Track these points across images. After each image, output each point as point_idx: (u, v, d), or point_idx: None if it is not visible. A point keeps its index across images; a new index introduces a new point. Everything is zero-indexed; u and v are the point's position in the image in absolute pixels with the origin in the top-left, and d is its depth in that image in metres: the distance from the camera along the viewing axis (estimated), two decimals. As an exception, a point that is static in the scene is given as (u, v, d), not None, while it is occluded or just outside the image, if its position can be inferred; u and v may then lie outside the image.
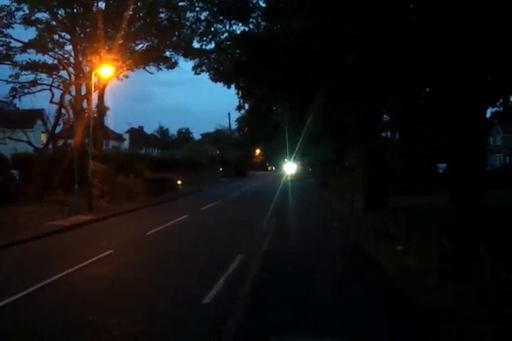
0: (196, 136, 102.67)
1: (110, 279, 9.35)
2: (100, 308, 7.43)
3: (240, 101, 19.22)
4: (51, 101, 26.75)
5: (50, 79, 26.57)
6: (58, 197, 21.70)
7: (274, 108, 24.19)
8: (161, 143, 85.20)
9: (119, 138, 61.29)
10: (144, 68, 29.19)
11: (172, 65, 29.19)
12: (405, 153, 28.42)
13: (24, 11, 24.03)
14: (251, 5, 16.75)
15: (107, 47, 24.61)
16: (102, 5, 25.83)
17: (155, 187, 31.17)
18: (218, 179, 56.82)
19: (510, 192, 19.67)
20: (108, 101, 28.76)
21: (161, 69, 29.58)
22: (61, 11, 25.30)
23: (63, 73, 26.77)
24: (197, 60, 19.81)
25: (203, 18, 18.53)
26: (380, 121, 22.66)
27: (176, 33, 26.14)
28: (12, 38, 24.59)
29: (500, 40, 8.95)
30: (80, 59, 26.35)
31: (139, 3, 25.62)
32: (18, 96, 25.85)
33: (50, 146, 27.61)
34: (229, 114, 69.27)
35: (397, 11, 9.21)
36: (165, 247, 13.05)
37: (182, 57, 26.27)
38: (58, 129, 28.40)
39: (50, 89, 26.57)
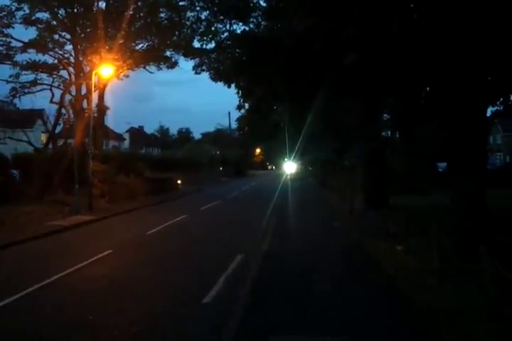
0: (196, 135, 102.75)
1: (110, 279, 9.35)
2: (100, 308, 7.44)
3: (240, 100, 19.20)
4: (51, 101, 26.76)
5: (51, 79, 26.58)
6: (58, 196, 21.71)
7: (275, 107, 24.18)
8: (161, 143, 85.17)
9: (119, 137, 61.31)
10: (144, 68, 29.20)
11: (172, 65, 29.19)
12: (405, 153, 28.39)
13: (24, 10, 24.04)
14: (251, 4, 16.71)
15: (107, 47, 24.60)
16: (102, 5, 25.87)
17: (155, 186, 31.17)
18: (218, 178, 56.79)
19: (511, 192, 19.65)
20: (108, 100, 28.80)
21: (161, 68, 29.61)
22: (61, 11, 25.30)
23: (63, 73, 26.80)
24: (197, 59, 19.77)
25: (203, 17, 18.50)
26: (380, 121, 22.64)
27: (177, 32, 26.14)
28: (12, 37, 24.61)
29: (500, 39, 8.94)
30: (80, 59, 26.34)
31: (139, 3, 25.63)
32: (18, 96, 25.86)
33: (50, 146, 27.60)
34: (229, 113, 69.25)
35: (397, 11, 9.20)
36: (165, 247, 13.05)
37: (182, 57, 26.27)
38: (58, 129, 28.40)
39: (51, 89, 26.58)
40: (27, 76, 25.64)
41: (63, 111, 27.05)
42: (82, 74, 26.10)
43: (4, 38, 24.38)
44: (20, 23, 24.26)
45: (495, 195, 12.91)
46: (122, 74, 27.90)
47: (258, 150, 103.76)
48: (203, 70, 19.43)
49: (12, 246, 13.13)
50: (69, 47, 26.25)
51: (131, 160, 31.44)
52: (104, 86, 27.24)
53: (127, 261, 11.17)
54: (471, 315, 6.43)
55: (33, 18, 24.40)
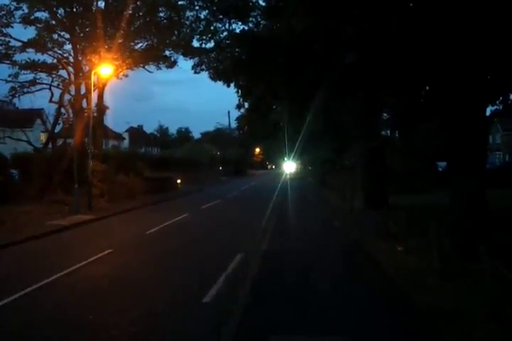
0: (196, 134, 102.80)
1: (110, 278, 9.35)
2: (100, 308, 7.43)
3: (239, 99, 19.17)
4: (50, 101, 26.70)
5: (50, 78, 26.50)
6: (58, 196, 21.71)
7: (274, 107, 24.13)
8: (160, 142, 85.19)
9: (118, 137, 61.25)
10: (143, 67, 29.14)
11: (171, 64, 29.15)
12: (405, 152, 28.39)
13: (23, 10, 23.95)
14: (251, 4, 16.67)
15: (106, 47, 24.55)
16: (101, 4, 25.76)
17: (155, 186, 31.17)
18: (218, 178, 56.80)
19: (511, 191, 19.65)
20: (107, 100, 28.72)
21: (160, 68, 29.55)
22: (60, 10, 25.23)
23: (63, 72, 26.70)
24: (196, 58, 19.71)
25: (202, 17, 18.44)
26: (379, 120, 22.62)
27: (176, 32, 26.08)
28: (11, 37, 24.52)
29: (500, 39, 8.93)
30: (80, 58, 26.29)
31: (138, 3, 25.56)
32: (17, 95, 25.79)
33: (50, 146, 27.57)
34: (228, 112, 69.34)
35: (397, 10, 9.18)
36: (165, 246, 13.05)
37: (181, 56, 26.24)
38: (58, 129, 28.33)
39: (50, 89, 26.53)
40: (26, 75, 25.61)
41: (63, 110, 27.01)
42: (81, 74, 26.05)
43: (3, 38, 24.30)
44: (19, 22, 24.19)
45: (495, 194, 12.92)
46: (121, 73, 27.85)
47: (258, 150, 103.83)
48: (202, 70, 19.37)
49: (12, 246, 13.12)
50: (68, 46, 26.21)
51: (130, 159, 31.43)
52: (104, 85, 27.19)
53: (127, 261, 11.17)
54: (471, 315, 6.43)
55: (32, 17, 24.33)
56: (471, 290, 7.26)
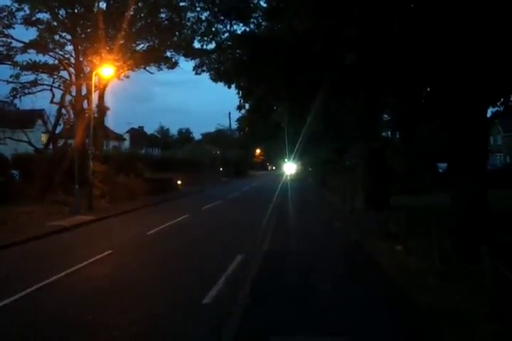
0: (197, 135, 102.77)
1: (110, 279, 9.35)
2: (100, 308, 7.43)
3: (240, 100, 19.14)
4: (51, 102, 26.72)
5: (51, 79, 26.52)
6: (59, 197, 21.73)
7: (275, 107, 24.12)
8: (161, 143, 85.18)
9: (119, 138, 61.28)
10: (144, 68, 29.13)
11: (173, 65, 29.15)
12: (406, 153, 28.40)
13: (25, 11, 24.00)
14: (252, 5, 16.68)
15: (107, 48, 24.58)
16: (102, 5, 25.82)
17: (155, 187, 31.18)
18: (219, 179, 56.80)
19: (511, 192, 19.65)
20: (108, 101, 28.72)
21: (161, 69, 29.54)
22: (62, 12, 25.25)
23: (64, 73, 26.74)
24: (197, 60, 19.71)
25: (203, 18, 18.45)
26: (380, 121, 22.63)
27: (177, 33, 26.10)
28: (13, 38, 24.56)
29: (501, 40, 8.93)
30: (81, 59, 26.31)
31: (139, 4, 25.58)
32: (18, 96, 25.80)
33: (51, 146, 27.59)
34: (229, 113, 69.22)
35: (398, 11, 9.19)
36: (165, 247, 13.04)
37: (182, 57, 26.22)
38: (59, 129, 28.34)
39: (51, 90, 26.54)
40: (27, 76, 25.62)
41: (63, 111, 27.02)
42: (82, 75, 26.08)
43: (5, 39, 24.35)
44: (21, 23, 24.24)
45: (496, 195, 12.91)
46: (123, 74, 27.87)
47: (258, 151, 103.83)
48: (204, 71, 19.37)
49: (12, 247, 13.13)
50: (69, 47, 26.24)
51: (131, 160, 31.47)
52: (105, 86, 27.21)
53: (128, 262, 11.17)
54: (472, 315, 6.42)
55: (34, 18, 24.37)
56: (472, 291, 7.26)
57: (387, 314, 6.92)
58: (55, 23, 25.22)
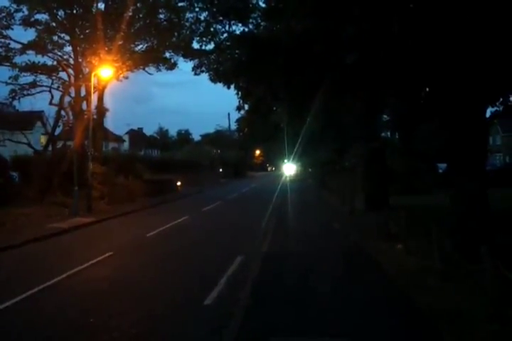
0: (196, 137, 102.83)
1: (111, 281, 9.34)
2: (101, 310, 7.41)
3: (239, 101, 19.16)
4: (50, 103, 26.70)
5: (50, 80, 26.51)
6: (58, 199, 21.71)
7: (274, 108, 24.12)
8: (160, 145, 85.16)
9: (118, 139, 61.22)
10: (143, 69, 29.14)
11: (171, 66, 29.14)
12: (405, 153, 28.39)
13: (23, 12, 24.00)
14: (251, 5, 16.67)
15: (106, 49, 24.58)
16: (101, 6, 25.82)
17: (155, 188, 31.15)
18: (218, 180, 56.73)
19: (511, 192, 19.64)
20: (108, 102, 28.73)
21: (160, 70, 29.54)
22: (60, 12, 25.26)
23: (63, 74, 26.73)
24: (196, 60, 19.71)
25: (202, 18, 18.45)
26: (380, 121, 22.61)
27: (176, 33, 26.10)
28: (11, 39, 24.55)
29: (500, 40, 8.92)
30: (80, 60, 26.31)
31: (138, 4, 25.59)
32: (17, 97, 25.79)
33: (50, 148, 27.57)
34: (228, 114, 69.19)
35: (397, 11, 9.18)
36: (165, 249, 13.03)
37: (181, 58, 26.24)
38: (58, 131, 28.34)
39: (50, 91, 26.53)
40: (26, 78, 25.62)
41: (63, 113, 27.00)
42: (81, 76, 26.07)
43: (3, 40, 24.33)
44: (19, 24, 24.23)
45: (496, 194, 12.90)
46: (121, 75, 27.86)
47: (258, 152, 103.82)
48: (203, 71, 19.35)
49: (12, 249, 13.11)
50: (68, 48, 26.23)
51: (130, 162, 31.45)
52: (104, 87, 27.20)
53: (128, 263, 11.15)
54: (472, 315, 6.41)
55: (32, 19, 24.37)
56: (472, 291, 7.24)
57: (387, 314, 6.91)
58: (54, 24, 25.21)
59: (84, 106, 26.15)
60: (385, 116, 23.45)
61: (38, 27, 24.64)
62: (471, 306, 6.72)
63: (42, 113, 30.55)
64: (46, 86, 26.37)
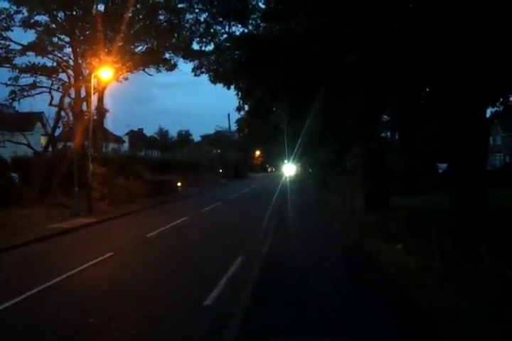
0: (196, 137, 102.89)
1: (111, 281, 9.34)
2: (101, 311, 7.41)
3: (239, 102, 19.15)
4: (50, 104, 26.74)
5: (50, 81, 26.55)
6: (58, 199, 21.73)
7: (274, 109, 24.12)
8: (160, 145, 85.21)
9: (118, 140, 61.26)
10: (143, 70, 29.17)
11: (171, 67, 29.17)
12: (405, 153, 28.40)
13: (23, 13, 24.04)
14: (250, 6, 16.68)
15: (106, 50, 24.60)
16: (101, 7, 25.84)
17: (155, 189, 31.17)
18: (218, 181, 56.78)
19: (511, 192, 19.66)
20: (108, 103, 28.76)
21: (160, 71, 29.56)
22: (60, 14, 25.28)
23: (63, 76, 26.77)
24: (196, 61, 19.71)
25: (202, 19, 18.46)
26: (380, 121, 22.61)
27: (176, 34, 26.13)
28: (11, 40, 24.58)
29: (500, 40, 8.93)
30: (80, 61, 26.34)
31: (138, 6, 25.62)
32: (17, 99, 25.84)
33: (50, 149, 27.59)
34: (228, 115, 69.24)
35: (397, 10, 9.19)
36: (165, 249, 13.04)
37: (181, 59, 26.27)
38: (58, 132, 28.39)
39: (50, 92, 26.56)
40: (26, 79, 25.67)
41: (63, 113, 27.03)
42: (81, 77, 26.10)
43: (3, 41, 24.38)
44: (19, 25, 24.26)
45: (496, 194, 12.91)
46: (121, 76, 27.90)
47: (258, 153, 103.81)
48: (202, 72, 19.35)
49: (12, 249, 13.11)
50: (68, 49, 26.26)
51: (130, 162, 31.46)
52: (104, 88, 27.23)
53: (128, 264, 11.15)
54: (472, 315, 6.41)
55: (32, 21, 24.41)
56: (472, 291, 7.25)
57: (387, 314, 6.91)
58: (54, 26, 25.25)
59: (84, 107, 26.19)
60: (385, 116, 23.46)
61: (38, 28, 24.68)
62: (471, 306, 6.73)
63: (42, 114, 30.59)
64: (46, 87, 26.43)
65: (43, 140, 32.36)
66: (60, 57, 26.31)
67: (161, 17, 26.63)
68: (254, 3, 16.72)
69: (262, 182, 58.79)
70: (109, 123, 33.45)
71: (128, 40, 25.59)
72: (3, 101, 25.80)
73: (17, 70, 25.05)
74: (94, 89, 24.31)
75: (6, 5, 23.69)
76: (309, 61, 12.36)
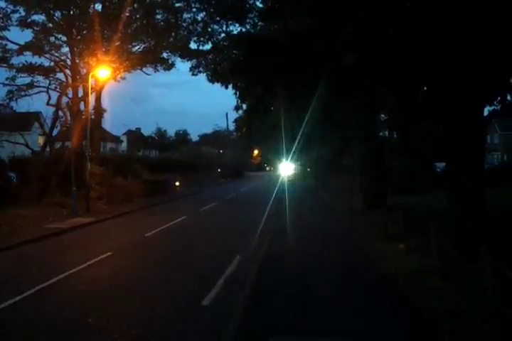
0: (194, 137, 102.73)
1: (109, 281, 9.32)
2: (100, 310, 7.39)
3: (237, 101, 19.15)
4: (48, 104, 26.74)
5: (47, 81, 26.57)
6: (56, 199, 21.69)
7: (272, 108, 24.12)
8: (158, 145, 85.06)
9: (116, 140, 61.15)
10: (141, 70, 29.17)
11: (169, 66, 29.16)
12: (403, 152, 28.40)
13: (20, 13, 24.05)
14: (248, 5, 16.67)
15: (103, 49, 24.59)
16: (98, 7, 25.84)
17: (153, 188, 31.13)
18: (216, 180, 56.73)
19: (508, 190, 19.67)
20: (105, 103, 28.76)
21: (158, 70, 29.57)
22: (57, 13, 25.27)
23: (60, 75, 26.79)
24: (194, 60, 19.71)
25: (199, 19, 18.49)
26: (378, 120, 22.62)
27: (173, 34, 26.14)
28: (8, 40, 24.59)
29: (498, 38, 8.93)
30: (77, 61, 26.32)
31: (135, 5, 25.58)
32: (14, 98, 25.85)
33: (48, 149, 27.55)
34: (226, 114, 69.17)
35: (395, 10, 9.18)
36: (164, 249, 13.03)
37: (179, 58, 26.28)
38: (55, 132, 28.38)
39: (47, 92, 26.56)
40: (23, 79, 25.68)
41: (60, 113, 27.06)
42: (78, 77, 26.09)
43: (0, 41, 24.35)
44: (16, 25, 24.25)
45: (493, 193, 12.91)
46: (119, 76, 27.90)
47: (256, 152, 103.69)
48: (200, 71, 19.37)
49: (10, 249, 13.07)
50: (65, 49, 26.30)
51: (128, 162, 31.44)
52: (101, 88, 27.19)
53: (126, 264, 11.13)
54: (471, 315, 6.40)
55: (29, 20, 24.40)
56: (471, 290, 7.23)
57: (386, 314, 6.90)
58: (51, 25, 25.23)
59: (81, 106, 26.22)
60: (383, 115, 23.47)
61: (35, 28, 24.66)
62: (470, 305, 6.71)
63: (39, 114, 30.56)
64: (43, 87, 26.45)
65: (41, 140, 32.35)
66: (57, 56, 26.34)
67: (159, 16, 26.63)
68: (251, 2, 16.73)
69: (261, 182, 58.71)
70: (107, 123, 33.34)
71: (125, 40, 25.58)
72: (1, 101, 25.80)
73: (14, 70, 25.04)
74: (92, 88, 24.29)
75: (3, 4, 23.75)
76: (307, 60, 12.35)
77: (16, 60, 25.03)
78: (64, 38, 25.83)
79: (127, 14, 24.75)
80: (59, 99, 26.60)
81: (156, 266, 10.79)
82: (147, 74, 29.91)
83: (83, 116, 25.17)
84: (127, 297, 8.27)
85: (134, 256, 12.09)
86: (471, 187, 10.01)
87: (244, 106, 21.42)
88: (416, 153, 28.17)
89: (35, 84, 26.03)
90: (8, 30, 24.29)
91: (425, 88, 12.01)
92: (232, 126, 69.39)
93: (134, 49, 27.92)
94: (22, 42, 24.68)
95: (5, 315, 7.40)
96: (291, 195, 29.88)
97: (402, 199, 20.51)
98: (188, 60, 21.04)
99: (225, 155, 71.59)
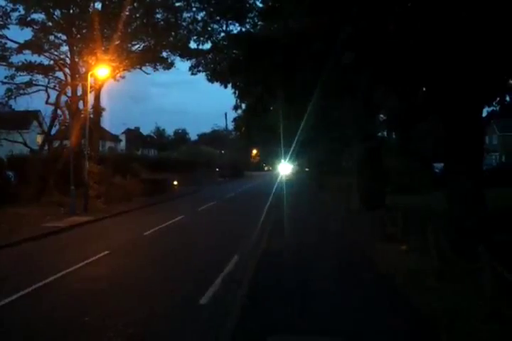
0: (193, 136, 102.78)
1: (107, 280, 9.31)
2: (97, 309, 7.38)
3: (236, 101, 19.15)
4: (47, 102, 26.70)
5: (46, 80, 26.53)
6: (55, 198, 21.66)
7: (271, 107, 24.11)
8: (157, 144, 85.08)
9: (115, 139, 61.20)
10: (140, 69, 29.12)
11: (169, 66, 29.13)
12: (402, 153, 28.43)
13: (20, 11, 23.99)
14: (248, 5, 16.67)
15: (103, 48, 24.56)
16: (98, 5, 25.81)
17: (151, 187, 31.11)
18: (215, 179, 56.73)
19: (507, 190, 19.70)
20: (104, 101, 28.72)
21: (157, 69, 29.53)
22: (57, 12, 25.23)
23: (59, 74, 26.75)
24: (193, 60, 19.71)
25: (199, 18, 18.49)
26: (377, 120, 22.64)
27: (173, 33, 26.12)
28: (8, 38, 24.55)
29: (497, 39, 8.94)
30: (76, 60, 26.28)
31: (135, 4, 25.56)
32: (13, 97, 25.78)
33: (46, 147, 27.52)
34: (226, 114, 68.96)
35: (394, 9, 9.19)
36: (162, 248, 13.03)
37: (179, 58, 26.28)
38: (54, 130, 28.34)
39: (46, 90, 26.52)
40: (22, 77, 25.64)
41: (59, 112, 27.00)
42: (77, 75, 26.05)
43: (-1, 39, 24.32)
44: (16, 23, 24.21)
45: (492, 193, 12.92)
46: (118, 75, 27.85)
47: (255, 151, 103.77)
48: (200, 71, 19.36)
49: (8, 248, 13.05)
50: (65, 48, 26.26)
51: (127, 161, 31.44)
52: (100, 87, 27.16)
53: (124, 262, 11.12)
54: (470, 315, 6.40)
55: (29, 19, 24.35)
56: (470, 290, 7.24)
57: (385, 314, 6.90)
58: (50, 24, 25.20)
59: (80, 105, 26.19)
60: (381, 115, 23.49)
61: (35, 26, 24.63)
62: (469, 305, 6.71)
63: (38, 112, 30.50)
64: (42, 85, 26.41)
65: (40, 138, 32.28)
66: (56, 55, 26.30)
67: (158, 15, 26.59)
68: (251, 1, 16.73)
69: (259, 181, 58.77)
70: (106, 122, 33.31)
71: (125, 39, 25.55)
72: (0, 100, 25.73)
73: (13, 68, 25.00)
74: (91, 87, 24.28)
75: (3, 3, 23.75)
76: (307, 59, 12.36)
77: (15, 59, 25.04)
78: (63, 37, 25.80)
79: (127, 13, 24.71)
80: (58, 97, 26.57)
81: (154, 265, 10.79)
82: (146, 74, 29.91)
83: (82, 115, 25.13)
84: (125, 295, 8.26)
85: (132, 255, 12.09)
86: (470, 187, 10.02)
87: (244, 106, 21.41)
88: (415, 153, 28.22)
89: (34, 82, 26.01)
90: (8, 28, 24.28)
91: (424, 88, 12.04)
92: (231, 126, 69.36)
93: (133, 48, 27.90)
94: (21, 41, 24.66)
95: (2, 312, 7.38)
96: (288, 195, 29.88)
97: (400, 199, 20.50)
98: (187, 60, 21.04)
99: (224, 155, 71.53)
